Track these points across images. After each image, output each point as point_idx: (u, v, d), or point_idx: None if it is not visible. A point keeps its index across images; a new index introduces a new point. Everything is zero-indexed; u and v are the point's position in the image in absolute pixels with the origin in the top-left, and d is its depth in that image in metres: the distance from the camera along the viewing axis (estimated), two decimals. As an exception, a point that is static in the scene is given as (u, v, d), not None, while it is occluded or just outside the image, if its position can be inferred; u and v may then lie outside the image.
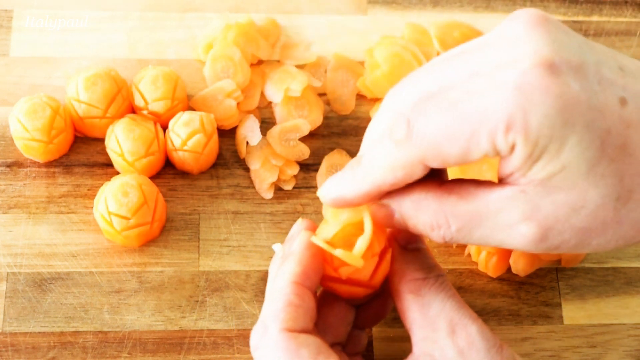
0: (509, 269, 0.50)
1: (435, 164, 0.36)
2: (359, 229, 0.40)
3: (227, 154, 0.53)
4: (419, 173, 0.37)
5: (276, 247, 0.43)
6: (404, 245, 0.42)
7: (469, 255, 0.50)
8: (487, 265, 0.49)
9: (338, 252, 0.40)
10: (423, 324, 0.40)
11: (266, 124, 0.54)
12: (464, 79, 0.36)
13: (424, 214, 0.38)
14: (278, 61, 0.55)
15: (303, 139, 0.53)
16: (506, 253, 0.49)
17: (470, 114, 0.35)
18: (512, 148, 0.35)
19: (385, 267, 0.41)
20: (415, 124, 0.36)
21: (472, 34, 0.56)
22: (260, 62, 0.55)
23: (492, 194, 0.37)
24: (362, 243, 0.40)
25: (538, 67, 0.34)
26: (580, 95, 0.34)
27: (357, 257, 0.40)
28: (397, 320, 0.47)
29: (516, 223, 0.36)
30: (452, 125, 0.35)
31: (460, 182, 0.38)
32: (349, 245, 0.40)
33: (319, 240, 0.40)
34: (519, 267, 0.49)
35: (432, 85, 0.37)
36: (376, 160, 0.38)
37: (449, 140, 0.35)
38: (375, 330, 0.48)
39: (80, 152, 0.52)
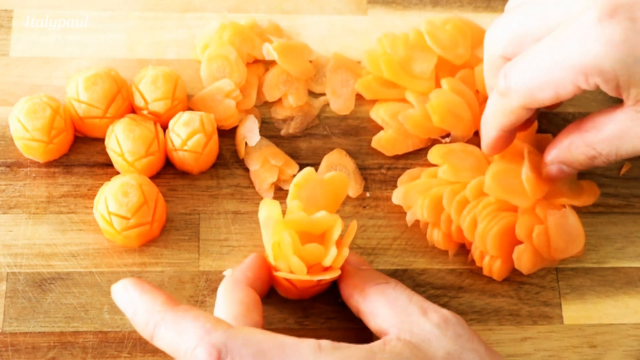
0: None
1: (535, 106, 0.45)
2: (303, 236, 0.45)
3: (227, 154, 0.53)
4: (525, 114, 0.46)
5: (227, 272, 0.46)
6: (358, 267, 0.47)
7: (470, 256, 0.50)
8: (491, 269, 0.49)
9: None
10: (395, 313, 0.43)
11: (266, 124, 0.54)
12: (544, 30, 0.44)
13: (577, 153, 0.46)
14: (274, 60, 0.55)
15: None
16: (509, 256, 0.49)
17: (554, 66, 0.42)
18: (596, 86, 0.42)
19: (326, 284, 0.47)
20: (511, 78, 0.44)
21: (464, 25, 0.56)
22: (256, 61, 0.55)
23: (618, 116, 0.44)
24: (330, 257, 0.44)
25: (601, 17, 0.41)
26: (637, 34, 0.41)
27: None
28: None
29: None
30: (540, 77, 0.43)
31: (590, 118, 0.46)
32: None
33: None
34: (522, 264, 0.48)
35: (521, 32, 0.46)
36: (493, 110, 0.48)
37: (540, 89, 0.43)
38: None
39: (80, 152, 0.52)
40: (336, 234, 0.44)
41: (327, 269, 0.45)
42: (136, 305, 0.40)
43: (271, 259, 0.45)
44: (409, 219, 0.51)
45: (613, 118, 0.45)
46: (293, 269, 0.44)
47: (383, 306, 0.44)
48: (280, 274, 0.45)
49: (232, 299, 0.44)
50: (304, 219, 0.44)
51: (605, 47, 0.41)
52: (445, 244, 0.50)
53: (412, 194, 0.51)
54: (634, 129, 0.44)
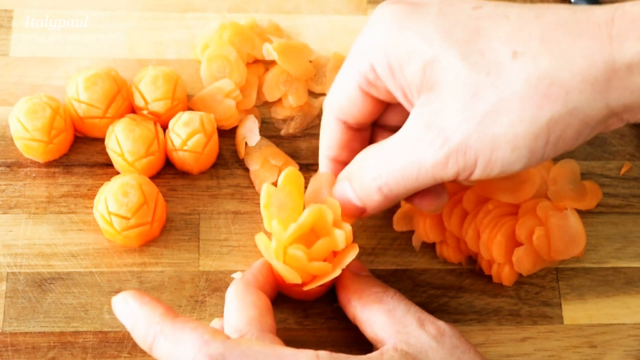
0: (509, 270, 0.50)
1: (339, 114, 0.46)
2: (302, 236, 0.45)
3: (227, 154, 0.53)
4: (344, 129, 0.46)
5: (237, 275, 0.46)
6: (357, 273, 0.47)
7: (478, 265, 0.50)
8: (500, 276, 0.49)
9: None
10: (392, 323, 0.43)
11: (266, 124, 0.54)
12: None
13: (363, 174, 0.43)
14: (274, 60, 0.55)
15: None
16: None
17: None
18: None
19: (330, 282, 0.46)
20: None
21: None
22: (256, 61, 0.55)
23: (402, 128, 0.41)
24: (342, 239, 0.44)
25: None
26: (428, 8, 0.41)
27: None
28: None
29: (422, 135, 0.39)
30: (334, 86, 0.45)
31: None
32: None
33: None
34: (522, 266, 0.48)
35: None
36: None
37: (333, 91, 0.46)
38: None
39: (80, 152, 0.52)
40: (330, 218, 0.44)
41: (342, 252, 0.45)
42: (136, 317, 0.40)
43: (297, 280, 0.44)
44: (415, 244, 0.51)
45: (399, 131, 0.42)
46: (319, 272, 0.44)
47: (380, 315, 0.44)
48: (312, 286, 0.45)
49: (245, 301, 0.43)
50: (296, 229, 0.44)
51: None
52: (457, 258, 0.50)
53: (411, 215, 0.51)
54: (413, 130, 0.40)
